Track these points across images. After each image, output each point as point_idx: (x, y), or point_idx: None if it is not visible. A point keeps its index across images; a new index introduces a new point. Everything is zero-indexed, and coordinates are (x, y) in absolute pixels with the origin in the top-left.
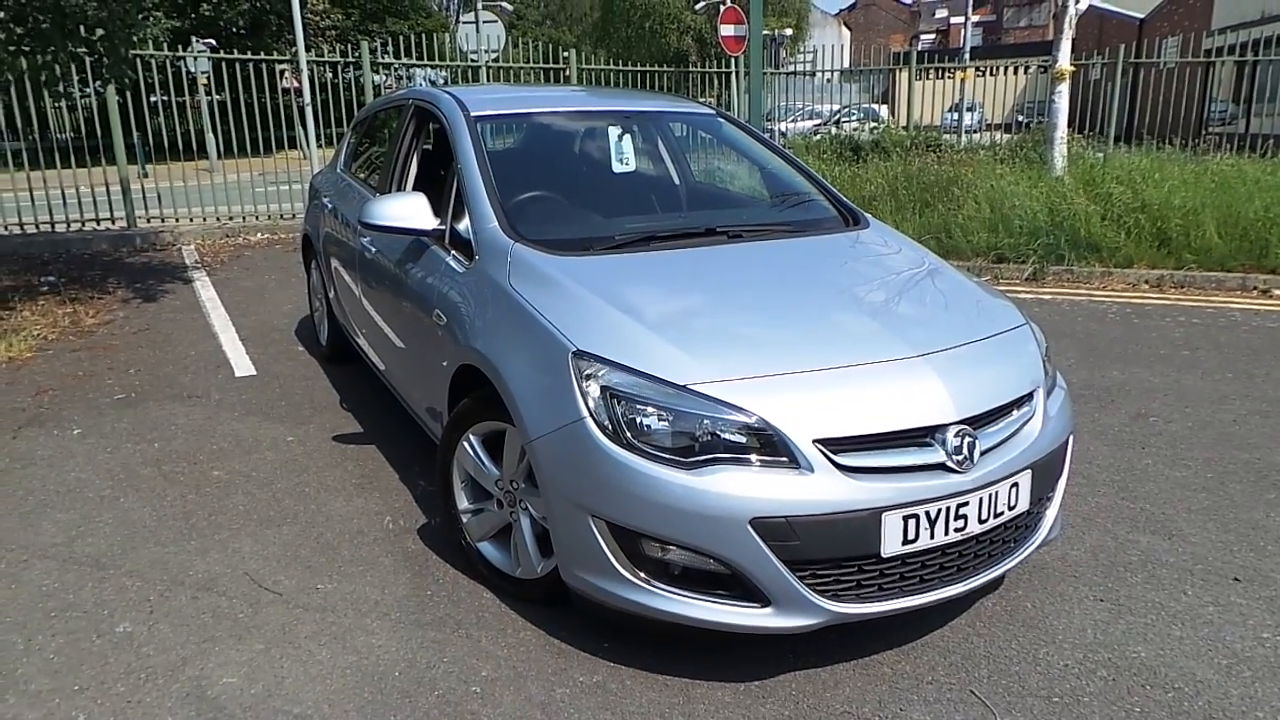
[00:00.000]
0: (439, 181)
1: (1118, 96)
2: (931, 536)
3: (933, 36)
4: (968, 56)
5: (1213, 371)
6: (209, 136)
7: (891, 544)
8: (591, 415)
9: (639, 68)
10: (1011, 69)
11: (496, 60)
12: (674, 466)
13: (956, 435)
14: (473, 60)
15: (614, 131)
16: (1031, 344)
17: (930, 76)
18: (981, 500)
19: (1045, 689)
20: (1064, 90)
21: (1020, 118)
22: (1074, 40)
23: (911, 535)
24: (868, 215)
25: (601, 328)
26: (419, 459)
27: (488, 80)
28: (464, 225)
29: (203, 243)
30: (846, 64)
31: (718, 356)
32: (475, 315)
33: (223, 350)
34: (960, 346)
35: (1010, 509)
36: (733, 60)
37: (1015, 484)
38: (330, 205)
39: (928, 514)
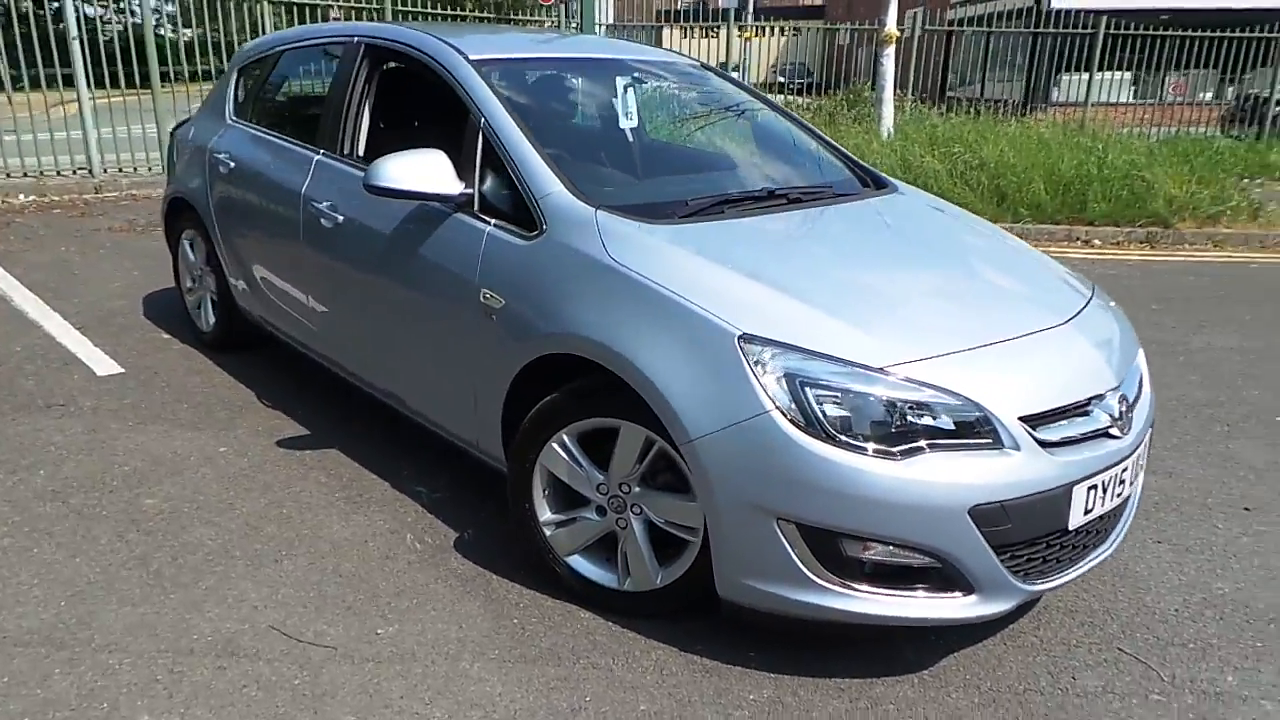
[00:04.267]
0: (416, 137)
1: (860, 60)
2: (1103, 504)
3: None
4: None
5: None
6: None
7: (1076, 516)
8: (778, 407)
9: (457, 10)
10: (780, 31)
11: None
12: (881, 457)
13: (1119, 400)
14: None
15: (620, 83)
16: (1111, 300)
17: (696, 35)
18: (1132, 462)
19: (1174, 636)
20: (890, 53)
21: (780, 78)
22: (823, 8)
23: (1091, 505)
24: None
25: (756, 306)
26: (405, 459)
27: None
28: (496, 190)
29: None
30: (611, 19)
31: (895, 334)
32: (564, 296)
33: (59, 343)
34: (1083, 310)
35: (1142, 468)
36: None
37: (1147, 442)
38: (234, 164)
39: (1103, 482)
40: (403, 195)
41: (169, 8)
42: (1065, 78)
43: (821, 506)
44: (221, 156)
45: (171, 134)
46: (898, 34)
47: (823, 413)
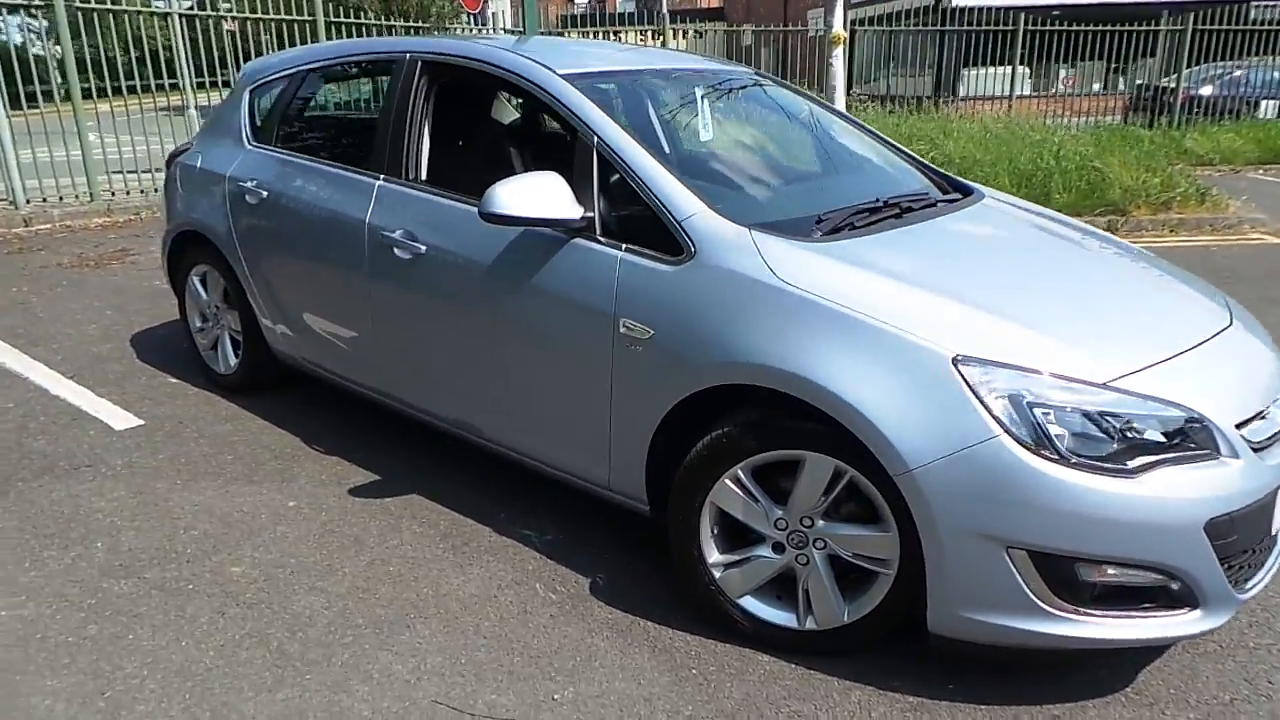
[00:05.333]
0: (484, 158)
1: (767, 60)
2: None
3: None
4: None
5: None
6: None
7: (1277, 520)
8: (1006, 430)
9: (391, 23)
10: (684, 34)
11: (231, 10)
12: (1116, 476)
13: None
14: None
15: (698, 93)
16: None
17: (604, 39)
18: None
19: None
20: (839, 53)
21: None
22: (721, 9)
23: None
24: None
25: (958, 325)
26: (498, 501)
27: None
28: (620, 212)
29: None
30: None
31: (1103, 347)
32: (733, 323)
33: (57, 396)
34: (1232, 307)
35: None
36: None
37: None
38: (266, 193)
39: None
40: (521, 222)
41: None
42: (971, 72)
43: (1056, 531)
44: (249, 185)
45: (169, 161)
46: (844, 35)
47: (1053, 433)
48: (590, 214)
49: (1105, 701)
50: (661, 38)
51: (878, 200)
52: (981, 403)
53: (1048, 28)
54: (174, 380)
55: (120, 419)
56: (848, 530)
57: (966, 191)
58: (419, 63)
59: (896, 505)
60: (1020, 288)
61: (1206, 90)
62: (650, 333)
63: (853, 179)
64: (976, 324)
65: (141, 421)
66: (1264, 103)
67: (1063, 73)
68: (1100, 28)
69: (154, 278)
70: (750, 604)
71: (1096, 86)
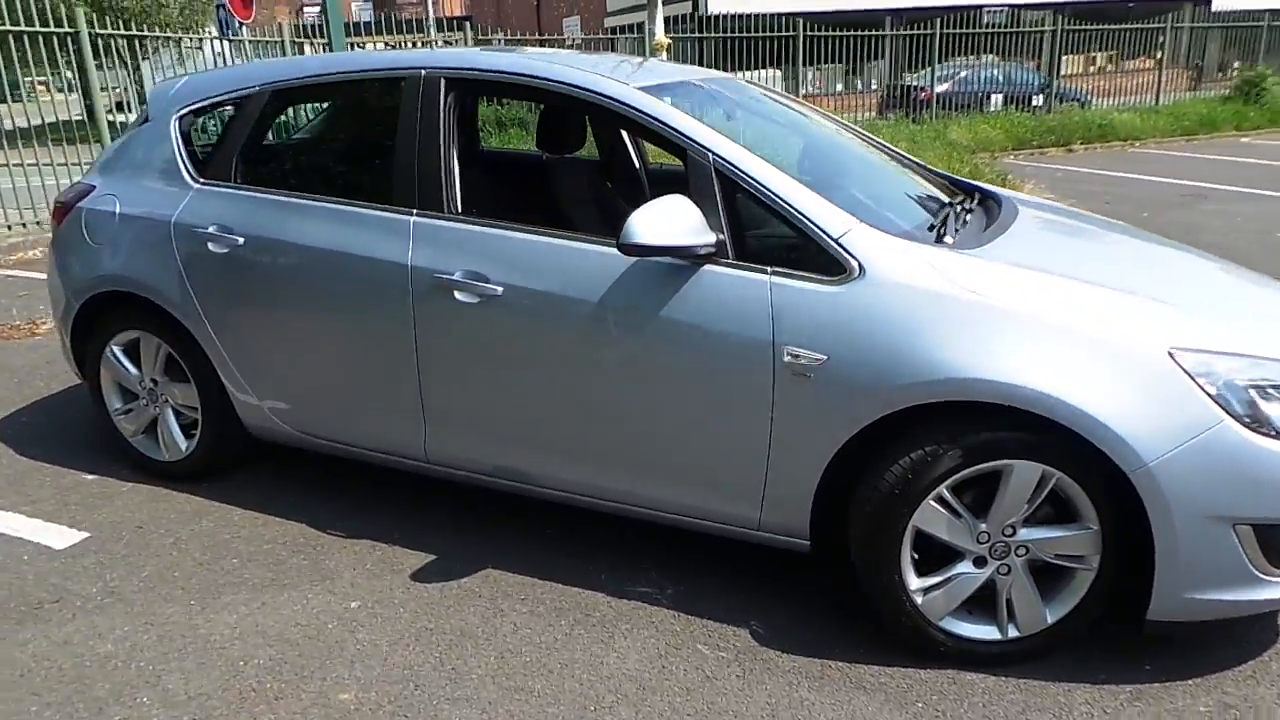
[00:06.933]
0: (559, 187)
1: None
2: None
3: (317, 8)
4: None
5: None
6: None
7: None
8: (1230, 414)
9: (156, 34)
10: (438, 43)
11: None
12: None
13: None
14: None
15: (739, 102)
16: None
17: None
18: None
19: None
20: (663, 59)
21: None
22: (470, 17)
23: None
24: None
25: (1154, 318)
26: (588, 562)
27: None
28: (754, 233)
29: None
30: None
31: (1267, 327)
32: (922, 340)
33: None
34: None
35: None
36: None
37: None
38: (243, 239)
39: None
40: (665, 253)
41: None
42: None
43: (1274, 503)
44: (208, 231)
45: (61, 210)
46: (667, 41)
47: (1270, 411)
48: (721, 237)
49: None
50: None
51: (950, 204)
52: (1204, 390)
53: (794, 33)
54: (90, 477)
55: (54, 535)
56: (1050, 533)
57: (983, 194)
58: (441, 81)
59: (1101, 502)
60: (1154, 277)
61: (942, 88)
62: (823, 359)
63: (892, 185)
64: (1166, 316)
65: (85, 534)
66: (993, 96)
67: (810, 74)
68: (840, 33)
69: None
70: (950, 624)
71: (840, 86)
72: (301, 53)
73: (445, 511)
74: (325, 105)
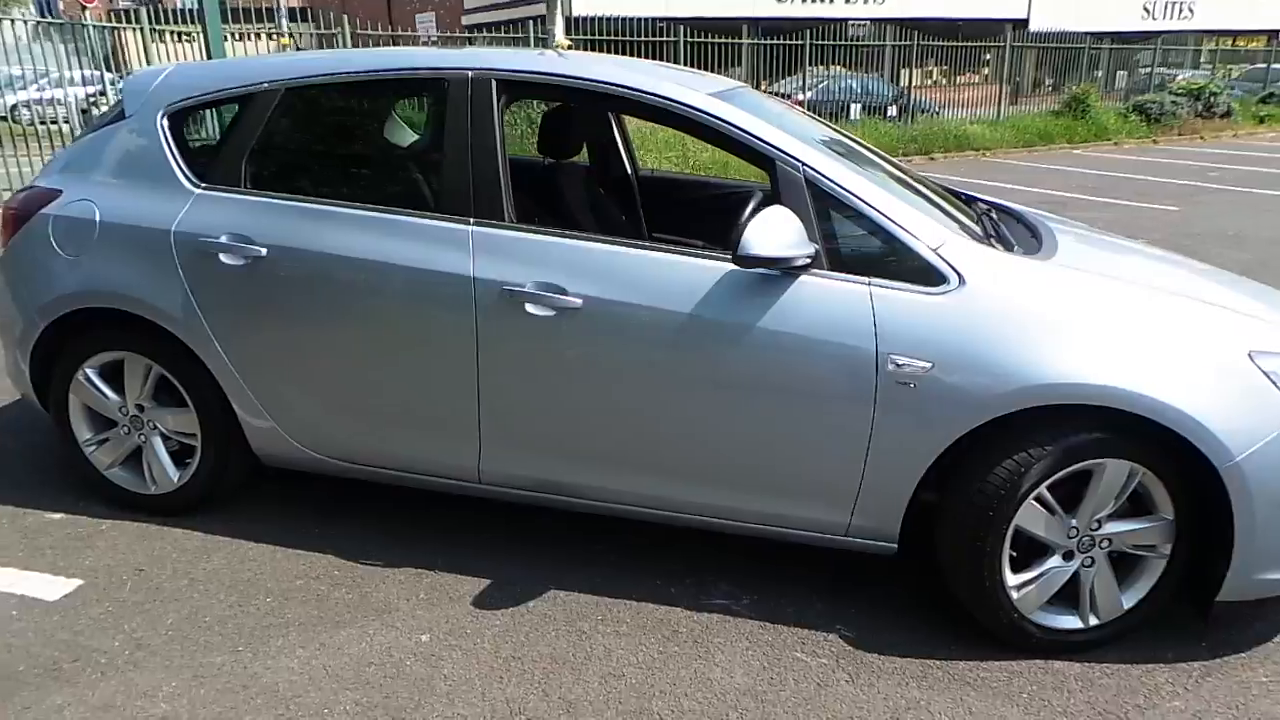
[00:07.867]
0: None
1: None
2: None
3: None
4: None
5: None
6: None
7: None
8: None
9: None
10: (269, 36)
11: None
12: None
13: None
14: None
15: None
16: None
17: (172, 40)
18: None
19: None
20: None
21: None
22: (313, 10)
23: None
24: None
25: (1225, 322)
26: (650, 572)
27: None
28: (848, 243)
29: None
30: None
31: None
32: (1025, 346)
33: None
34: None
35: None
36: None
37: None
38: (266, 250)
39: None
40: (777, 264)
41: None
42: None
43: None
44: (221, 241)
45: (18, 215)
46: (569, 43)
47: None
48: (818, 247)
49: None
50: (290, 41)
51: (983, 215)
52: (1279, 388)
53: (658, 38)
54: (56, 515)
55: (41, 586)
56: (1130, 525)
57: (968, 199)
58: (490, 81)
59: (1178, 495)
60: (1206, 286)
61: (804, 96)
62: (928, 366)
63: (913, 194)
64: (1243, 322)
65: (78, 581)
66: (852, 106)
67: None
68: (712, 39)
69: None
70: (1041, 617)
71: None
72: (118, 39)
73: (479, 532)
74: (351, 107)
